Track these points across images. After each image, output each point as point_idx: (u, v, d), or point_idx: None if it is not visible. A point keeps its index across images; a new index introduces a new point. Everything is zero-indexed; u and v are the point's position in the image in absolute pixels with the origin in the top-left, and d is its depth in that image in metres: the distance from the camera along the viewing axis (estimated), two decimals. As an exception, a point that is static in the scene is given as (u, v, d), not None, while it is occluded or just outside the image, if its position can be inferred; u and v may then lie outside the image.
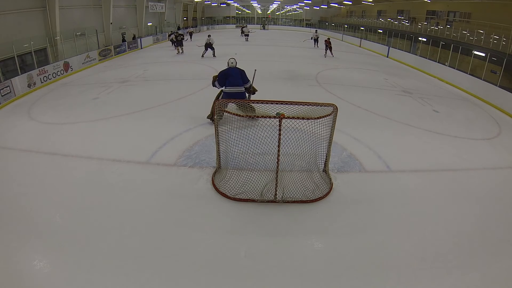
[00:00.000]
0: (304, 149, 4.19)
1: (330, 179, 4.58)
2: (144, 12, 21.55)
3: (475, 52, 11.41)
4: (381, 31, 21.52)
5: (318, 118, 3.82)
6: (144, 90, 9.35)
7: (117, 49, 16.21)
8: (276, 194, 4.09)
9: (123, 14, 19.84)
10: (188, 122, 6.54)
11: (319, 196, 4.20)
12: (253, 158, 4.43)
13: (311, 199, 4.13)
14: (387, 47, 19.02)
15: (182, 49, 16.75)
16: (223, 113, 4.44)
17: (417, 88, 10.87)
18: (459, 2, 16.04)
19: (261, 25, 40.11)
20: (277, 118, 3.77)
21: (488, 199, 4.44)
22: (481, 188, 4.72)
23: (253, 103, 5.07)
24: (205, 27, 36.71)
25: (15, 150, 5.46)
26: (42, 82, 9.90)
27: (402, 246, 3.46)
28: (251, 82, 6.52)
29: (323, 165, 4.66)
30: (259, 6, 42.61)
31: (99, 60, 14.18)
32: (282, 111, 3.98)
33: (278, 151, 3.92)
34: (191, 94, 8.83)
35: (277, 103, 4.11)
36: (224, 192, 4.21)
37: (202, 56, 15.01)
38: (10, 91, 8.37)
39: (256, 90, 6.71)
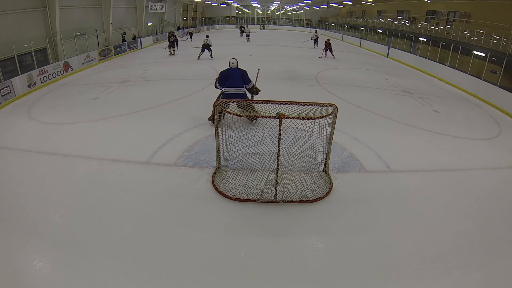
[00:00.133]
0: (304, 149, 4.19)
1: (330, 179, 4.58)
2: (144, 12, 21.56)
3: (475, 52, 11.42)
4: (381, 31, 21.53)
5: (318, 118, 3.82)
6: (144, 90, 9.35)
7: (117, 49, 16.21)
8: (276, 194, 4.09)
9: (123, 14, 19.84)
10: (188, 122, 6.54)
11: (319, 196, 4.20)
12: (253, 158, 4.43)
13: (311, 199, 4.13)
14: (387, 47, 19.02)
15: (174, 50, 16.33)
16: (224, 114, 4.44)
17: (417, 88, 10.87)
18: (459, 2, 16.05)
19: (261, 25, 40.10)
20: (277, 118, 3.77)
21: (488, 199, 4.44)
22: (481, 188, 4.72)
23: (253, 103, 5.08)
24: (205, 27, 36.71)
25: (15, 150, 5.46)
26: (42, 82, 9.90)
27: (402, 246, 3.46)
28: (253, 83, 6.43)
29: (323, 165, 4.66)
30: (259, 6, 42.62)
31: (99, 60, 14.18)
32: (282, 111, 3.98)
33: (278, 151, 3.92)
34: (191, 94, 8.83)
35: (277, 103, 4.11)
36: (224, 192, 4.21)
37: (198, 57, 14.62)
38: (10, 91, 8.37)
39: (259, 90, 6.62)
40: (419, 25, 18.04)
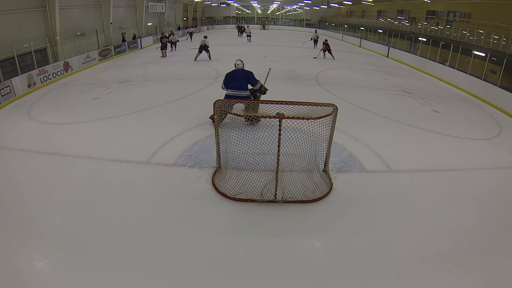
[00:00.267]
0: (304, 149, 4.18)
1: (330, 179, 4.58)
2: (144, 12, 21.56)
3: (475, 52, 11.42)
4: (381, 31, 21.53)
5: (318, 118, 3.82)
6: (144, 90, 9.35)
7: (117, 49, 16.21)
8: (276, 194, 4.09)
9: (123, 14, 19.85)
10: (188, 122, 6.54)
11: (319, 196, 4.20)
12: (253, 158, 4.43)
13: (311, 199, 4.13)
14: (387, 47, 19.02)
15: (165, 52, 15.71)
16: (225, 115, 4.43)
17: (417, 88, 10.87)
18: (459, 2, 16.05)
19: (261, 25, 40.09)
20: (277, 118, 3.77)
21: (488, 199, 4.44)
22: (481, 188, 4.72)
23: (253, 103, 5.09)
24: (205, 27, 36.73)
25: (15, 150, 5.46)
26: (42, 82, 9.90)
27: (402, 246, 3.46)
28: (260, 83, 6.32)
29: (323, 165, 4.66)
30: (259, 6, 42.63)
31: (99, 60, 14.18)
32: (282, 111, 3.98)
33: (278, 151, 3.92)
34: (191, 94, 8.84)
35: (277, 103, 4.11)
36: (224, 192, 4.21)
37: (195, 59, 14.14)
38: (10, 91, 8.37)
39: (267, 89, 6.53)
40: (419, 25, 18.04)
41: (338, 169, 4.94)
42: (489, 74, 10.51)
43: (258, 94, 6.57)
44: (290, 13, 43.77)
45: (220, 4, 40.61)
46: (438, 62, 13.64)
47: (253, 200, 4.08)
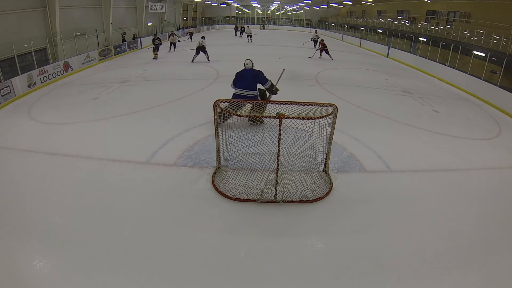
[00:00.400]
0: (304, 149, 4.18)
1: (330, 179, 4.58)
2: (144, 12, 21.55)
3: (475, 52, 11.42)
4: (381, 31, 21.53)
5: (318, 118, 3.82)
6: (144, 90, 9.35)
7: (117, 49, 16.21)
8: (276, 194, 4.09)
9: (123, 14, 19.84)
10: (188, 122, 6.54)
11: (319, 196, 4.20)
12: (253, 158, 4.43)
13: (311, 199, 4.13)
14: (387, 47, 19.02)
15: (157, 54, 14.89)
16: (227, 116, 4.41)
17: (417, 88, 10.87)
18: (459, 2, 16.05)
19: (261, 25, 40.09)
20: (277, 118, 3.77)
21: (488, 199, 4.44)
22: (481, 188, 4.72)
23: (253, 103, 5.09)
24: (205, 27, 36.72)
25: (15, 150, 5.46)
26: (42, 82, 9.90)
27: (402, 246, 3.46)
28: (271, 83, 6.21)
29: (323, 165, 4.66)
30: (259, 6, 42.62)
31: (99, 60, 14.18)
32: (282, 111, 3.98)
33: (278, 151, 3.92)
34: (191, 94, 8.83)
35: (277, 103, 4.12)
36: (224, 192, 4.21)
37: (192, 61, 13.66)
38: (10, 91, 8.37)
39: (278, 90, 6.41)
40: (419, 25, 18.05)
41: (338, 169, 4.94)
42: (489, 74, 10.50)
43: (268, 94, 6.45)
44: (290, 13, 43.77)
45: (220, 4, 40.61)
46: (438, 62, 13.64)
47: (253, 200, 4.08)
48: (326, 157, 4.61)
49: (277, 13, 44.29)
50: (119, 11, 19.02)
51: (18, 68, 9.28)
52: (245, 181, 4.26)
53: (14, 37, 10.25)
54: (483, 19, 13.11)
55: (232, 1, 39.94)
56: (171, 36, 17.92)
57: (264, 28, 39.20)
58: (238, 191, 4.19)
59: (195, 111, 7.14)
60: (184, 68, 12.76)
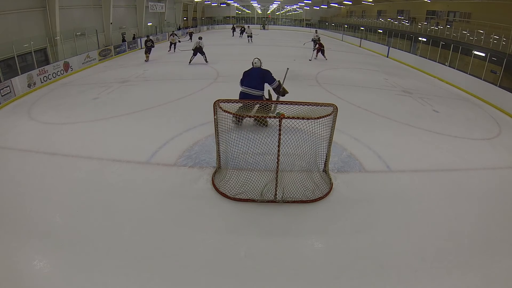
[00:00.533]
0: (304, 149, 4.18)
1: (330, 179, 4.58)
2: (144, 12, 21.55)
3: (475, 52, 11.41)
4: (381, 31, 21.52)
5: (318, 118, 3.83)
6: (144, 90, 9.35)
7: (117, 49, 16.20)
8: (276, 194, 4.09)
9: (123, 14, 19.84)
10: (188, 122, 6.54)
11: (319, 196, 4.20)
12: (253, 158, 4.43)
13: (311, 199, 4.13)
14: (387, 47, 19.02)
15: (148, 57, 14.34)
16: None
17: (417, 88, 10.87)
18: (459, 2, 16.04)
19: (261, 25, 40.08)
20: (277, 118, 3.77)
21: (488, 199, 4.44)
22: (481, 188, 4.72)
23: (253, 103, 5.09)
24: (205, 27, 36.72)
25: (15, 150, 5.46)
26: (42, 82, 9.90)
27: (402, 246, 3.46)
28: (279, 83, 6.11)
29: (323, 165, 4.66)
30: (259, 6, 42.62)
31: (99, 60, 14.17)
32: (282, 111, 3.98)
33: (278, 151, 3.92)
34: (191, 94, 8.83)
35: (277, 103, 4.12)
36: (224, 192, 4.21)
37: (190, 62, 13.25)
38: (10, 91, 8.37)
39: (287, 92, 6.23)
40: (419, 25, 18.03)
41: (338, 169, 4.94)
42: (489, 74, 10.50)
43: (277, 95, 6.33)
44: (290, 13, 43.77)
45: (220, 4, 40.61)
46: (438, 62, 13.64)
47: (253, 200, 4.08)
48: (326, 157, 4.61)
49: (277, 13, 44.29)
50: (119, 11, 19.02)
51: (18, 68, 9.28)
52: (245, 181, 4.26)
53: (14, 37, 10.24)
54: (483, 19, 13.10)
55: (232, 1, 39.94)
56: (172, 36, 17.87)
57: (264, 28, 39.18)
58: (238, 191, 4.19)
59: (195, 111, 7.14)
60: (184, 68, 12.75)
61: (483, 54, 10.98)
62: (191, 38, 24.16)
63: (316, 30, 22.99)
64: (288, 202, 4.08)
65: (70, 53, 12.57)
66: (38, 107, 7.82)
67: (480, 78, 10.58)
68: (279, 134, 3.84)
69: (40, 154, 5.26)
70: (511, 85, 9.56)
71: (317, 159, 4.42)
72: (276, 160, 3.97)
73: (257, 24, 41.33)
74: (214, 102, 4.21)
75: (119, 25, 18.94)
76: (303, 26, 40.10)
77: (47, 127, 6.44)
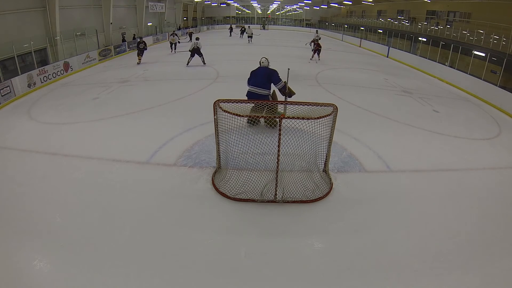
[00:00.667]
0: (304, 149, 4.18)
1: (330, 179, 4.58)
2: (144, 12, 21.56)
3: (475, 52, 11.42)
4: (381, 31, 21.52)
5: (318, 118, 3.83)
6: (144, 90, 9.35)
7: (117, 49, 16.21)
8: (276, 194, 4.09)
9: (123, 14, 19.84)
10: (188, 122, 6.54)
11: (319, 196, 4.20)
12: (253, 158, 4.43)
13: (311, 199, 4.13)
14: (387, 47, 19.02)
15: (140, 59, 13.74)
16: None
17: (417, 88, 10.87)
18: (459, 2, 16.04)
19: (261, 25, 40.08)
20: (277, 118, 3.77)
21: (488, 199, 4.44)
22: (481, 188, 4.71)
23: (253, 103, 5.09)
24: (205, 27, 36.72)
25: (15, 150, 5.46)
26: (42, 82, 9.90)
27: (402, 246, 3.46)
28: (284, 83, 6.05)
29: (323, 165, 4.66)
30: (259, 6, 42.62)
31: (99, 60, 14.18)
32: (282, 111, 3.98)
33: (278, 151, 3.92)
34: (191, 94, 8.83)
35: (277, 103, 4.12)
36: (224, 192, 4.21)
37: (187, 64, 12.88)
38: (10, 91, 8.37)
39: (294, 93, 6.20)
40: (419, 25, 18.03)
41: (338, 169, 4.94)
42: (489, 74, 10.50)
43: (284, 96, 6.28)
44: (290, 13, 43.77)
45: (220, 4, 40.61)
46: (438, 62, 13.64)
47: (253, 200, 4.08)
48: (326, 157, 4.61)
49: (277, 13, 44.29)
50: (119, 11, 19.02)
51: (18, 68, 9.28)
52: (245, 181, 4.26)
53: (14, 37, 10.24)
54: (483, 19, 13.10)
55: (232, 1, 39.94)
56: (172, 36, 17.83)
57: (264, 28, 39.18)
58: (238, 191, 4.18)
59: (195, 111, 7.14)
60: (184, 68, 12.75)
61: (483, 54, 10.99)
62: (190, 38, 24.14)
63: (316, 31, 23.05)
64: (288, 202, 4.08)
65: (70, 53, 12.56)
66: (38, 107, 7.82)
67: (480, 78, 10.58)
68: (279, 134, 3.83)
69: (40, 154, 5.26)
70: (511, 85, 9.56)
71: (317, 159, 4.42)
72: (276, 160, 3.97)
73: (257, 24, 41.33)
74: (214, 102, 4.21)
75: (119, 25, 18.94)
76: (303, 26, 40.10)
77: (47, 127, 6.44)
